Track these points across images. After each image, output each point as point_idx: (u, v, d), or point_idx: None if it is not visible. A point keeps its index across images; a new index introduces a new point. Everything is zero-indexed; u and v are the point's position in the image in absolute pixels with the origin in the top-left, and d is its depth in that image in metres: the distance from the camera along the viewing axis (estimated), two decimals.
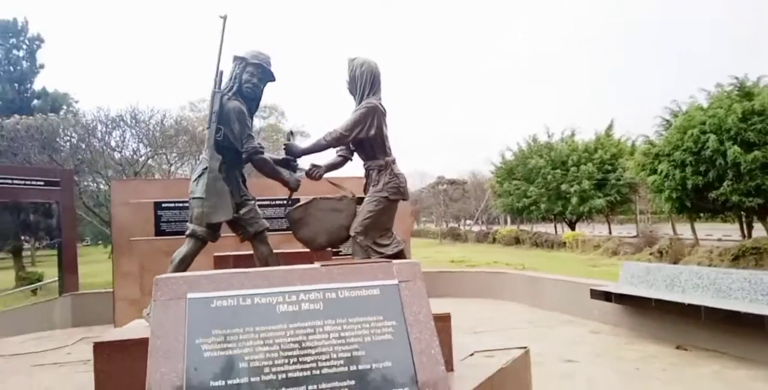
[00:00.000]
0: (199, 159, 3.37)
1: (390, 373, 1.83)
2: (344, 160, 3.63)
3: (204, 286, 1.88)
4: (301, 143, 3.67)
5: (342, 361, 1.81)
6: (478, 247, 31.29)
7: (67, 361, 5.39)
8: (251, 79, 3.15)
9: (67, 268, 8.38)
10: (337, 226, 3.35)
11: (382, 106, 3.44)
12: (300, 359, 1.78)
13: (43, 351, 6.03)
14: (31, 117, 19.50)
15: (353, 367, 1.80)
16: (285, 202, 3.62)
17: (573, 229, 29.88)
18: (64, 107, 29.03)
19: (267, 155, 3.28)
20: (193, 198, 3.07)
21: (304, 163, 3.59)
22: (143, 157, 21.75)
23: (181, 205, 6.65)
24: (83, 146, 20.69)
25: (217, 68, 3.09)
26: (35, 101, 25.82)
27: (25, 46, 26.25)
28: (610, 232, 29.41)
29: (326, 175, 3.52)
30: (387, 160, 3.47)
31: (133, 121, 21.51)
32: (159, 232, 6.65)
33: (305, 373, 1.75)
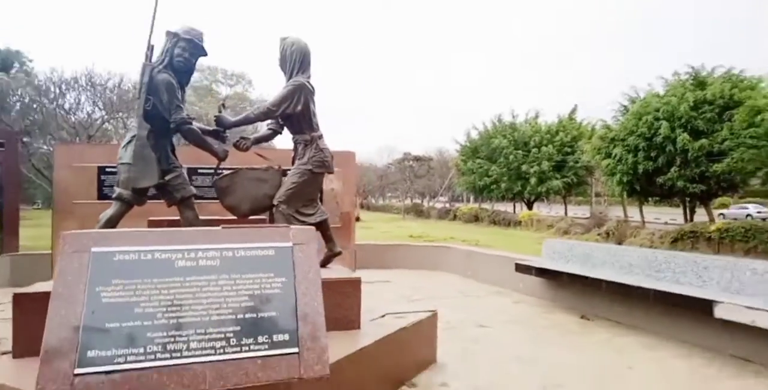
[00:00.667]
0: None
1: (274, 321, 2.09)
2: (273, 133, 3.83)
3: (109, 241, 2.08)
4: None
5: (231, 310, 2.05)
6: (439, 224, 31.96)
7: (1, 318, 5.48)
8: (183, 54, 3.28)
9: (7, 230, 8.30)
10: (261, 195, 3.56)
11: (309, 84, 3.63)
12: (192, 307, 2.01)
13: None
14: None
15: (240, 316, 2.06)
16: (213, 171, 3.81)
17: (530, 208, 30.89)
18: (16, 65, 27.68)
19: (197, 125, 3.44)
20: (121, 163, 3.22)
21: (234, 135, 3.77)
22: (99, 121, 21.12)
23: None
24: (35, 107, 19.95)
25: (149, 42, 3.20)
26: None
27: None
28: (565, 213, 30.50)
29: (255, 148, 3.71)
30: (313, 135, 3.68)
31: (89, 83, 20.80)
32: (102, 196, 6.67)
33: (195, 319, 1.99)
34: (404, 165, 43.38)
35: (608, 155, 20.38)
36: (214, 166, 3.66)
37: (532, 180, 28.84)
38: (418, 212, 39.28)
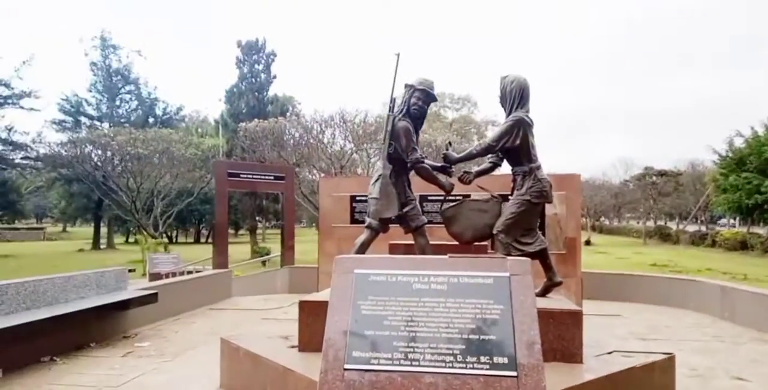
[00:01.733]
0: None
1: (494, 344, 2.35)
2: (494, 166, 4.14)
3: (367, 265, 2.65)
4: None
5: (457, 330, 2.39)
6: (692, 251, 27.53)
7: (284, 318, 6.98)
8: (417, 102, 3.90)
9: (287, 246, 10.47)
10: (483, 224, 3.89)
11: (528, 118, 3.83)
12: (426, 324, 2.42)
13: (267, 309, 7.85)
14: (265, 120, 23.78)
15: (465, 336, 2.37)
16: (441, 199, 4.31)
17: None
18: (290, 108, 34.51)
19: (427, 163, 3.98)
20: (371, 198, 3.95)
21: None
22: (348, 152, 24.68)
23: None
24: (303, 143, 24.41)
25: (391, 96, 3.89)
26: (269, 106, 31.21)
27: (263, 61, 31.89)
28: None
29: (476, 180, 4.07)
30: (531, 166, 3.85)
31: (341, 120, 24.56)
32: (353, 220, 7.97)
33: (429, 335, 2.38)
34: (645, 181, 38.67)
35: None
36: (443, 194, 4.16)
37: None
38: (664, 236, 34.51)
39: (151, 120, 40.54)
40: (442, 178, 4.05)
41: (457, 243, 4.08)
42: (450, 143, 4.39)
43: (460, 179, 4.05)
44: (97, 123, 39.53)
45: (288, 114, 30.08)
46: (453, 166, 4.14)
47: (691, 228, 37.99)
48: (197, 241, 46.15)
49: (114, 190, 26.42)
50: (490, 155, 4.16)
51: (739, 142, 28.01)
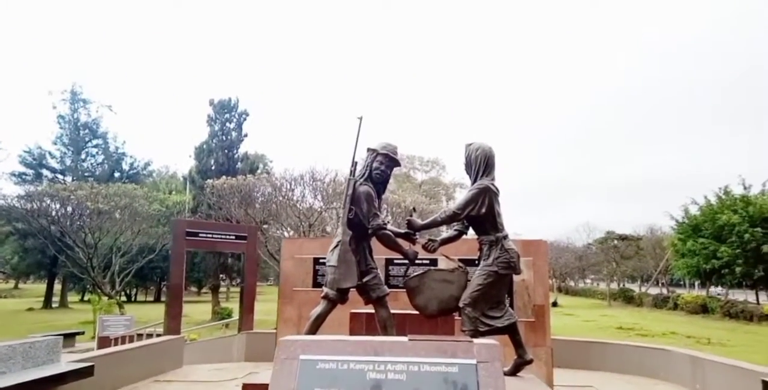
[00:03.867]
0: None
1: None
2: (459, 234, 4.00)
3: (314, 350, 2.38)
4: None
5: None
6: (655, 314, 27.73)
7: None
8: (380, 167, 3.79)
9: (246, 310, 9.91)
10: (448, 296, 3.68)
11: (494, 186, 3.77)
12: None
13: (219, 381, 7.21)
14: (233, 178, 23.54)
15: None
16: (407, 265, 4.08)
17: None
18: (260, 166, 34.44)
19: (390, 229, 3.82)
20: (328, 265, 3.71)
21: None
22: (318, 210, 24.47)
23: None
24: (272, 201, 24.11)
25: (353, 160, 3.79)
26: (239, 164, 31.09)
27: (235, 120, 32.15)
28: None
29: (441, 248, 3.91)
30: (498, 235, 3.73)
31: (311, 179, 24.53)
32: (315, 284, 7.60)
33: None
34: (608, 245, 39.52)
35: None
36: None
37: None
38: (628, 299, 34.81)
39: (117, 175, 39.76)
40: (405, 245, 3.87)
41: (417, 312, 3.84)
42: (414, 209, 4.25)
43: (425, 247, 3.88)
44: (60, 176, 38.46)
45: (258, 172, 29.97)
46: (417, 233, 3.98)
47: (653, 290, 38.46)
48: (158, 299, 43.99)
49: (70, 246, 25.20)
50: (455, 223, 4.04)
51: (694, 210, 29.37)
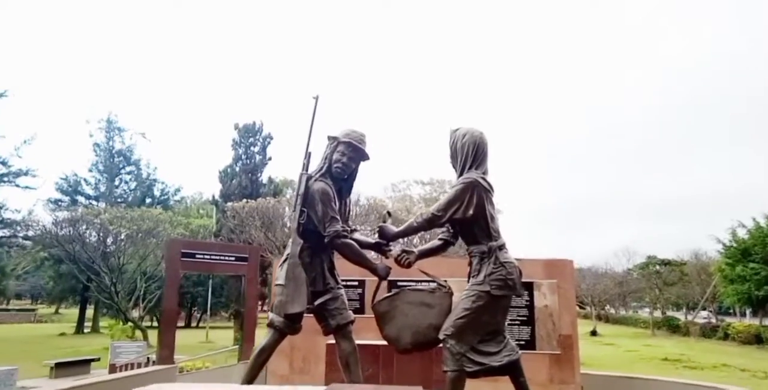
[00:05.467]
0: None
1: None
2: (445, 244, 3.20)
3: None
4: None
5: None
6: (703, 344, 25.58)
7: None
8: (341, 159, 3.06)
9: (246, 337, 9.18)
10: (426, 325, 2.85)
11: (485, 181, 2.97)
12: None
13: None
14: (253, 201, 23.24)
15: None
16: (375, 291, 3.28)
17: None
18: (284, 190, 34.25)
19: (356, 237, 3.06)
20: (276, 285, 2.97)
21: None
22: None
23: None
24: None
25: (306, 149, 3.08)
26: (262, 188, 30.99)
27: (259, 143, 32.28)
28: None
29: (420, 262, 3.12)
30: (491, 245, 2.92)
31: None
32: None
33: None
34: (649, 270, 37.32)
35: None
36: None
37: None
38: (673, 327, 32.47)
39: (148, 200, 40.33)
40: (374, 258, 3.10)
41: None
42: (389, 213, 3.45)
43: (397, 260, 3.08)
44: (94, 202, 39.31)
45: (283, 197, 29.73)
46: (391, 243, 3.19)
47: (701, 319, 35.87)
48: (188, 325, 44.07)
49: (97, 271, 25.30)
50: (442, 230, 3.24)
51: (742, 233, 27.53)
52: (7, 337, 28.77)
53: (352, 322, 3.02)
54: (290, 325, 2.89)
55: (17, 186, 35.06)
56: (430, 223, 3.00)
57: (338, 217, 2.98)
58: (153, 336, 23.47)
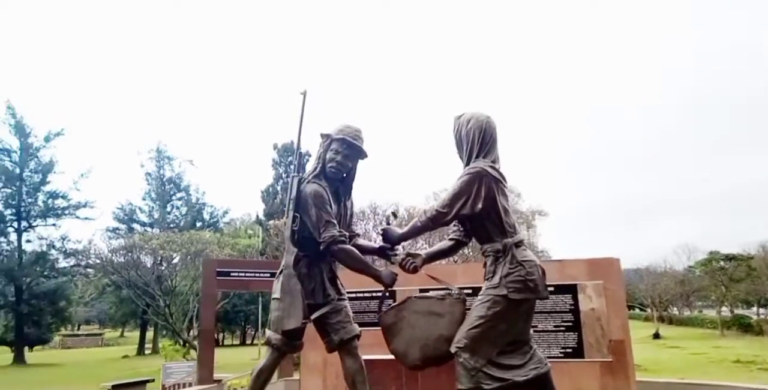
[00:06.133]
0: None
1: None
2: (457, 244, 2.89)
3: None
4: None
5: None
6: None
7: None
8: (335, 157, 2.84)
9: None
10: (436, 337, 2.56)
11: (494, 170, 2.66)
12: None
13: None
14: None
15: None
16: (379, 301, 3.00)
17: None
18: None
19: (359, 243, 2.81)
20: (273, 299, 2.76)
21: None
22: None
23: (361, 296, 6.56)
24: None
25: (297, 149, 2.89)
26: None
27: (296, 162, 32.92)
28: None
29: (427, 267, 2.84)
30: (506, 242, 2.60)
31: (372, 213, 24.03)
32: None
33: None
34: (713, 267, 34.99)
35: None
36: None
37: None
38: (744, 327, 30.21)
39: (198, 224, 41.63)
40: (379, 264, 2.84)
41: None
42: (394, 214, 3.15)
43: (402, 266, 2.80)
44: (149, 229, 40.95)
45: None
46: (397, 247, 2.91)
47: None
48: (242, 342, 45.18)
49: (151, 295, 26.19)
50: (453, 229, 2.94)
51: None
52: (75, 361, 30.13)
53: (357, 336, 2.77)
54: (288, 342, 2.67)
55: (77, 217, 37.13)
56: (434, 222, 2.70)
57: (334, 221, 2.75)
58: (219, 353, 23.95)
